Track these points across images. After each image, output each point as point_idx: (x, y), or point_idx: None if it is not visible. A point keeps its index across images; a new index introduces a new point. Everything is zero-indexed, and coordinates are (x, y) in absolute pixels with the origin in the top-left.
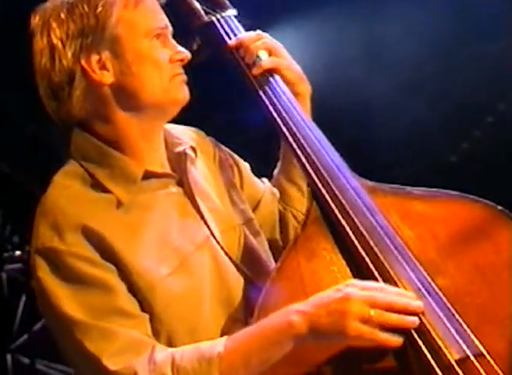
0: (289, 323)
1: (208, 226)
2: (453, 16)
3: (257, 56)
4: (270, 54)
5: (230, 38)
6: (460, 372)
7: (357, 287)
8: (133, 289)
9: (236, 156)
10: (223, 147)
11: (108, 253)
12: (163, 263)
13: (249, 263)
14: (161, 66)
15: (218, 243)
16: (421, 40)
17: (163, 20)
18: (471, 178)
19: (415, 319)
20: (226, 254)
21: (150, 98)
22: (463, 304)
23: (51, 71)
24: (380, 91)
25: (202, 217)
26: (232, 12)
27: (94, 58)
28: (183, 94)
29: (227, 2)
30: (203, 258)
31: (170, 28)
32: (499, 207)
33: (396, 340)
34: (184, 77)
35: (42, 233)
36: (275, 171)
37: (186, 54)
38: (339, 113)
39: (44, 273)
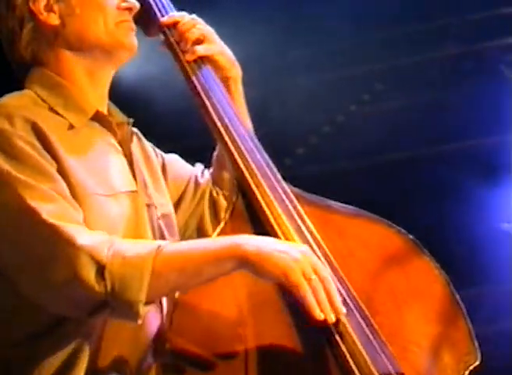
0: (238, 245)
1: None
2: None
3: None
4: (204, 40)
5: (162, 14)
6: None
7: (311, 253)
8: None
9: (158, 150)
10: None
11: (52, 155)
12: (98, 185)
13: None
14: (106, 11)
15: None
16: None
17: None
18: None
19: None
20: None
21: (93, 39)
22: (375, 322)
23: (6, 17)
24: None
25: (135, 178)
26: None
27: (42, 1)
28: (130, 40)
29: None
30: (127, 203)
31: None
32: (411, 236)
33: (318, 314)
34: (132, 25)
35: None
36: None
37: (133, 3)
38: None
39: None
